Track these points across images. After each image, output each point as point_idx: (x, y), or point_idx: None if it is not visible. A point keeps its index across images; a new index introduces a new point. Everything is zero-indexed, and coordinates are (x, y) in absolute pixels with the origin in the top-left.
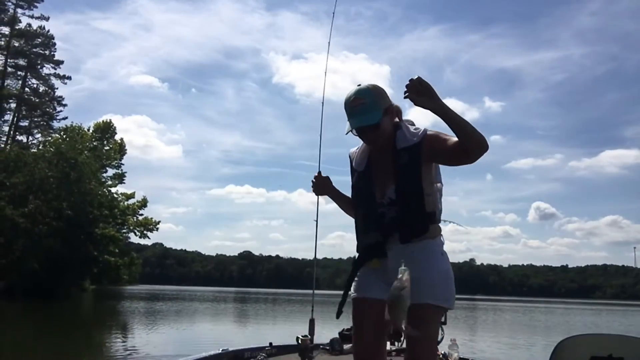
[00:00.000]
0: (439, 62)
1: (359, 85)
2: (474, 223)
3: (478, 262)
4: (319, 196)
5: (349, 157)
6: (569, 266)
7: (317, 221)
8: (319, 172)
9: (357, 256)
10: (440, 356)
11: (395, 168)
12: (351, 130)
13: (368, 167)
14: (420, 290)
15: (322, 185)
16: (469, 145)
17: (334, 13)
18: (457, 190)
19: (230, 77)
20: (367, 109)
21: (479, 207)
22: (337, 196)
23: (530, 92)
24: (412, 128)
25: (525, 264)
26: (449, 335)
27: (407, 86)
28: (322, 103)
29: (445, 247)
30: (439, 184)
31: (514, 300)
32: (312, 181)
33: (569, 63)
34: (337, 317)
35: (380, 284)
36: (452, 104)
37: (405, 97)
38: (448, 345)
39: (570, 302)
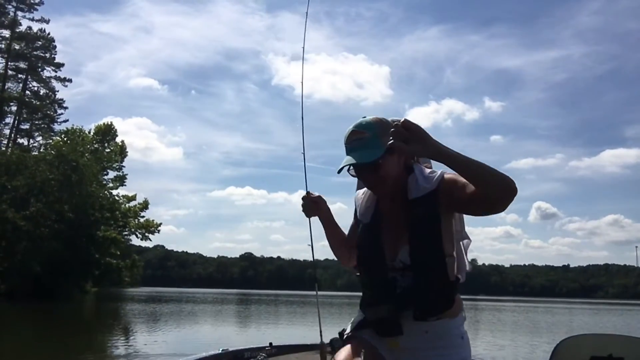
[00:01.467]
0: (439, 62)
1: (363, 117)
2: (475, 223)
3: (480, 263)
4: (310, 218)
5: (354, 201)
6: (571, 266)
7: (312, 245)
8: (308, 193)
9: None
10: None
11: (407, 224)
12: (347, 170)
13: (376, 220)
14: None
15: (312, 206)
16: (489, 193)
17: (307, 13)
18: None
19: (231, 78)
20: (366, 144)
21: None
22: (328, 223)
23: (531, 92)
24: (427, 171)
25: (526, 264)
26: None
27: (391, 133)
28: (302, 101)
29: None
30: (465, 241)
31: (516, 301)
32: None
33: (569, 63)
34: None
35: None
36: (453, 104)
37: (390, 146)
38: None
39: (572, 302)
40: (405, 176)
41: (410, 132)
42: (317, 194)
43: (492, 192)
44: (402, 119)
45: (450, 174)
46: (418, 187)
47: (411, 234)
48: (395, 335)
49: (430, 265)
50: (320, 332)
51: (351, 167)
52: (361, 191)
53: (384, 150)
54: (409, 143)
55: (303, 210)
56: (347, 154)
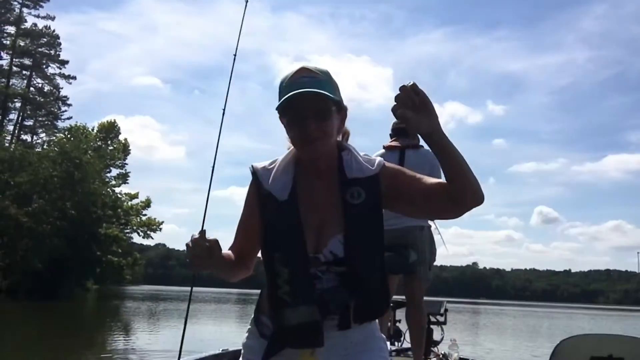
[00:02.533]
0: (443, 65)
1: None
2: (477, 227)
3: (481, 266)
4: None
5: (254, 174)
6: (572, 271)
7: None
8: (202, 231)
9: (271, 340)
10: (440, 356)
11: (342, 208)
12: (281, 110)
13: (294, 199)
14: None
15: (205, 256)
16: (463, 192)
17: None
18: None
19: (234, 78)
20: (323, 84)
21: (481, 210)
22: (224, 266)
23: (534, 95)
24: (362, 153)
25: (528, 268)
26: (450, 336)
27: (397, 98)
28: (234, 61)
29: (449, 251)
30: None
31: (517, 305)
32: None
33: (573, 67)
34: None
35: None
36: (456, 107)
37: (395, 113)
38: (448, 345)
39: (573, 307)
40: (338, 152)
41: (420, 99)
42: (212, 237)
43: (468, 191)
44: (411, 82)
45: (391, 164)
46: (359, 166)
47: (348, 220)
48: (317, 347)
49: (371, 261)
50: None
51: (289, 108)
52: (265, 163)
53: (339, 99)
54: (418, 112)
55: (188, 259)
56: (295, 89)
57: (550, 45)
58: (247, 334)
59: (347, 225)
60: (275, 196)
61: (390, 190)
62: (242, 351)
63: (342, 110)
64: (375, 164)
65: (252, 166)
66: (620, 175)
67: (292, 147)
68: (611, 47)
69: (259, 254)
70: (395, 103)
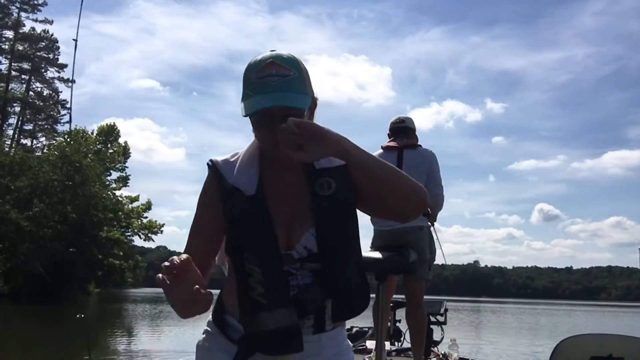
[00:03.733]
0: (441, 64)
1: (272, 50)
2: (478, 225)
3: (482, 264)
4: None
5: (214, 167)
6: (574, 268)
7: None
8: (171, 265)
9: (241, 345)
10: (440, 356)
11: (313, 201)
12: (254, 114)
13: (261, 192)
14: None
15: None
16: (395, 206)
17: None
18: (460, 191)
19: (233, 80)
20: (291, 85)
21: (482, 208)
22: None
23: (533, 93)
24: None
25: (529, 266)
26: (451, 335)
27: (280, 137)
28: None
29: (450, 249)
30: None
31: (519, 303)
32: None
33: (572, 64)
34: None
35: None
36: (454, 105)
37: (284, 151)
38: (448, 345)
39: (575, 304)
40: None
41: (303, 133)
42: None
43: (404, 208)
44: (289, 119)
45: None
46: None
47: (319, 213)
48: (296, 352)
49: (346, 255)
50: None
51: (260, 111)
52: (227, 156)
53: (309, 100)
54: (308, 146)
55: (175, 305)
56: (260, 92)
57: (549, 42)
58: (204, 336)
59: (318, 218)
60: (242, 190)
61: (357, 183)
62: (199, 354)
63: (313, 104)
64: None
65: (211, 160)
66: (620, 171)
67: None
68: (610, 43)
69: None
70: (281, 140)
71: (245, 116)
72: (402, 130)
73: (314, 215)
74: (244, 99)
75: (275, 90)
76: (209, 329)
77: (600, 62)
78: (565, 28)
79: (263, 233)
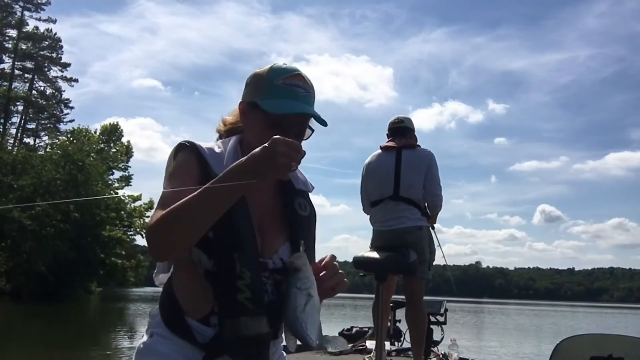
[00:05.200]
0: (444, 64)
1: (285, 64)
2: (479, 226)
3: (484, 265)
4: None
5: (199, 153)
6: (576, 269)
7: None
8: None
9: (209, 349)
10: (440, 356)
11: (291, 217)
12: (286, 115)
13: (244, 200)
14: None
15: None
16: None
17: None
18: (462, 192)
19: (235, 79)
20: (312, 101)
21: (484, 209)
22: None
23: (535, 94)
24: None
25: (531, 267)
26: (452, 335)
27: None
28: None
29: (451, 250)
30: None
31: (520, 304)
32: None
33: (574, 65)
34: None
35: None
36: (456, 106)
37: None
38: (448, 345)
39: (576, 306)
40: None
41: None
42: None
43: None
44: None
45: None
46: (303, 180)
47: (296, 230)
48: None
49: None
50: None
51: (282, 116)
52: (209, 144)
53: None
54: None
55: (281, 165)
56: (294, 99)
57: (551, 44)
58: (153, 338)
59: (296, 234)
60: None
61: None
62: (146, 359)
63: None
64: (310, 186)
65: (191, 142)
66: (622, 173)
67: (226, 131)
68: (612, 44)
69: None
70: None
71: (270, 114)
72: (401, 130)
73: (291, 231)
74: (266, 97)
75: (302, 101)
76: (160, 330)
77: (603, 63)
78: (568, 29)
79: (248, 236)
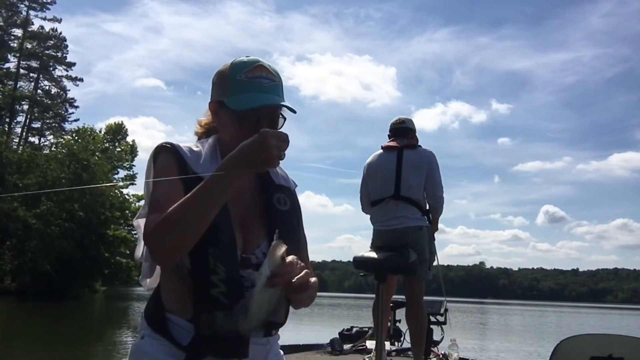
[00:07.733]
0: (448, 64)
1: (247, 56)
2: (483, 226)
3: (488, 266)
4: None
5: (177, 152)
6: (580, 270)
7: None
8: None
9: (192, 347)
10: (440, 356)
11: (270, 211)
12: (254, 109)
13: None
14: None
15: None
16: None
17: None
18: (465, 193)
19: None
20: (279, 90)
21: (487, 210)
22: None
23: (539, 94)
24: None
25: (535, 268)
26: (454, 335)
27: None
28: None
29: (455, 250)
30: None
31: (524, 304)
32: None
33: (579, 65)
34: None
35: None
36: (460, 106)
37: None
38: (448, 345)
39: (580, 306)
40: None
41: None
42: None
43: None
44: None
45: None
46: (283, 175)
47: (276, 224)
48: (242, 358)
49: None
50: None
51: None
52: (188, 144)
53: None
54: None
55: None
56: (258, 90)
57: (556, 44)
58: (144, 339)
59: (272, 228)
60: None
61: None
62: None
63: None
64: (292, 183)
65: (171, 144)
66: (626, 173)
67: (204, 132)
68: (617, 44)
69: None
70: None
71: (240, 110)
72: (402, 130)
73: (271, 225)
74: (231, 94)
75: (268, 91)
76: (146, 331)
77: (608, 63)
78: (573, 29)
79: (225, 232)
